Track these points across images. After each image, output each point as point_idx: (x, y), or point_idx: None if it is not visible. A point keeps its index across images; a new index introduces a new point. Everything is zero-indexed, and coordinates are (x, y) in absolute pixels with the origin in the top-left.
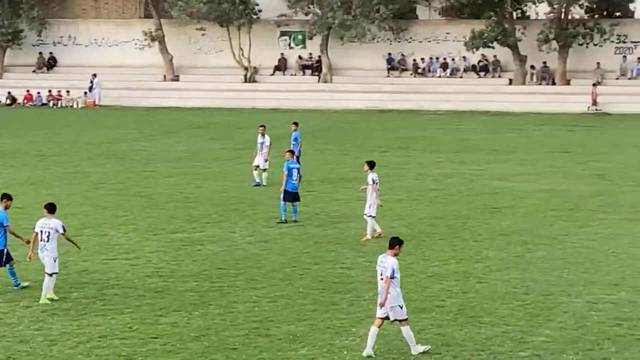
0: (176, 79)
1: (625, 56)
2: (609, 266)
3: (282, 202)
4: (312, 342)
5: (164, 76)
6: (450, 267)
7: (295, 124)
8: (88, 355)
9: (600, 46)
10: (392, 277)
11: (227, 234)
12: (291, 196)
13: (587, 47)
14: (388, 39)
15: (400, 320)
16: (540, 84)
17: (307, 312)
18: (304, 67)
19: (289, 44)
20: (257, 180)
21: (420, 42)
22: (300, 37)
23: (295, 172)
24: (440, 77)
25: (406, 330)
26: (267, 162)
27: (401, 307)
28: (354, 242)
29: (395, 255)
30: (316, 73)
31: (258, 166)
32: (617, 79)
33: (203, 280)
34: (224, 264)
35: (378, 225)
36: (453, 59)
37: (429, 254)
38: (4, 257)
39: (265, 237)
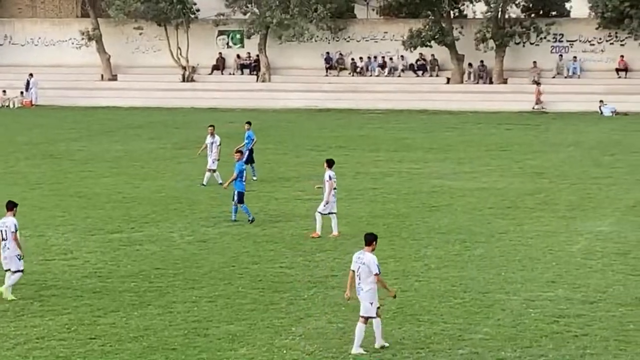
0: (114, 78)
1: (561, 55)
2: (546, 264)
3: (242, 205)
4: (251, 341)
5: (102, 76)
6: (389, 266)
7: (249, 123)
8: (26, 357)
9: (536, 45)
10: (378, 273)
11: (166, 234)
12: (240, 196)
13: (523, 46)
14: (326, 38)
15: (365, 317)
16: (477, 82)
17: (246, 311)
18: (242, 67)
19: (227, 43)
20: (220, 180)
21: (358, 41)
22: (238, 36)
23: (244, 174)
24: (378, 76)
25: (361, 329)
26: (216, 162)
27: (371, 304)
28: (293, 241)
29: (372, 250)
30: (254, 72)
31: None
32: (554, 77)
33: (142, 280)
34: (163, 264)
35: (319, 225)
36: (391, 58)
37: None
38: None
39: (204, 236)
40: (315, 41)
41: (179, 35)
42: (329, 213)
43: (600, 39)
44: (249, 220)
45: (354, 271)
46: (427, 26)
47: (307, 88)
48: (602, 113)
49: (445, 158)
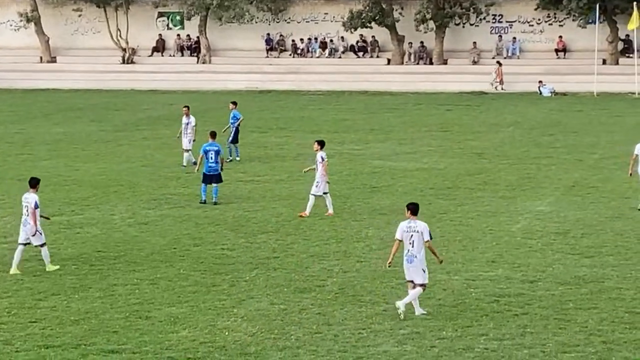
0: (53, 60)
1: (500, 36)
2: (486, 243)
3: (202, 184)
4: (193, 323)
5: (41, 58)
6: (331, 247)
7: (234, 103)
8: None
9: (476, 26)
10: (430, 239)
11: (107, 217)
12: (209, 178)
13: (463, 26)
14: (267, 20)
15: (420, 285)
16: (418, 63)
17: (188, 293)
18: (182, 48)
19: (167, 25)
20: (193, 160)
21: (298, 22)
22: (178, 18)
23: (212, 154)
24: (319, 57)
25: (418, 292)
26: (192, 143)
27: (424, 271)
28: (235, 223)
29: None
30: (195, 54)
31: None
32: (493, 58)
33: (82, 263)
34: (104, 246)
35: (310, 206)
36: (331, 40)
37: (309, 234)
38: None
39: (145, 219)
40: (256, 22)
41: (118, 16)
42: (323, 193)
43: (539, 19)
44: (201, 201)
45: (401, 241)
46: (368, 7)
47: (248, 69)
48: (541, 93)
49: (386, 139)
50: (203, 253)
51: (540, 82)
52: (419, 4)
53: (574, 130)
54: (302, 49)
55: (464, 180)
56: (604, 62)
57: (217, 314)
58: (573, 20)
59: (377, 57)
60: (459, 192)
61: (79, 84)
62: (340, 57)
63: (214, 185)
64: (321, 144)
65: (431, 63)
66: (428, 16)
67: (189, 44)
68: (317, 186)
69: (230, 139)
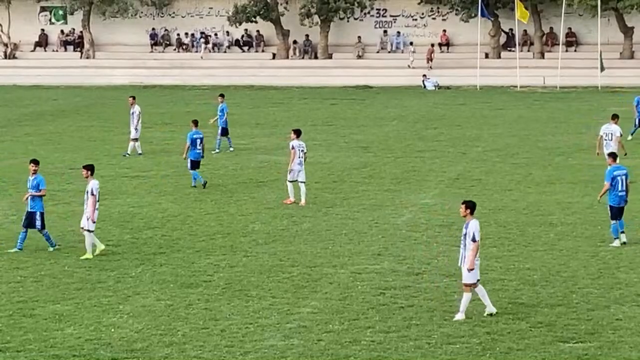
0: None
1: (385, 30)
2: (372, 237)
3: (193, 171)
4: (78, 320)
5: None
6: (217, 242)
7: (222, 95)
8: None
9: (360, 20)
10: (475, 240)
11: None
12: (198, 164)
13: (348, 21)
14: (151, 14)
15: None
16: (303, 58)
17: (72, 290)
18: (65, 43)
19: (50, 20)
20: (139, 151)
21: (183, 17)
22: (61, 12)
23: (198, 142)
24: (204, 52)
25: (480, 290)
26: (138, 132)
27: (467, 271)
28: (120, 218)
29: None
30: (78, 49)
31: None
32: (378, 52)
33: None
34: None
35: (290, 192)
36: (216, 34)
37: (195, 229)
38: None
39: None
40: (140, 17)
41: None
42: (299, 181)
43: (422, 14)
44: (202, 184)
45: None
46: (252, 2)
47: (132, 64)
48: (425, 87)
49: (272, 133)
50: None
51: (424, 75)
52: None
53: (458, 124)
54: (187, 44)
55: (350, 174)
56: (487, 55)
57: (102, 310)
58: (456, 14)
59: (262, 51)
60: (345, 185)
61: None
62: (225, 52)
63: (197, 170)
64: (297, 132)
65: (316, 57)
66: (313, 10)
67: (72, 38)
68: (289, 173)
69: (220, 131)
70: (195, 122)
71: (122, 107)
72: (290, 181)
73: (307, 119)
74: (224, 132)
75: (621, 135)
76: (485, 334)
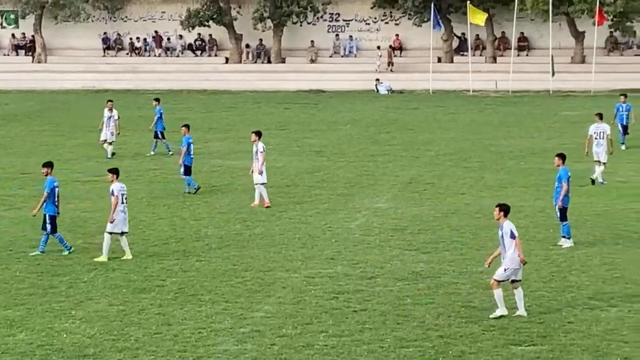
0: None
1: (337, 34)
2: (325, 241)
3: (187, 177)
4: (30, 326)
5: None
6: (170, 246)
7: (157, 99)
8: None
9: (314, 25)
10: (514, 237)
11: None
12: (190, 170)
13: (301, 25)
14: (103, 18)
15: (516, 281)
16: (256, 62)
17: (24, 296)
18: (17, 47)
19: (1, 24)
20: (112, 152)
21: (136, 21)
22: (12, 16)
23: (192, 147)
24: (157, 56)
25: (519, 292)
26: (114, 135)
27: (504, 270)
28: (72, 224)
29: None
30: (30, 53)
31: (106, 140)
32: (331, 56)
33: None
34: None
35: (265, 195)
36: (169, 38)
37: (148, 234)
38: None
39: None
40: (92, 21)
41: None
42: (261, 183)
43: (375, 18)
44: (194, 189)
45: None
46: (205, 6)
47: (85, 69)
48: (378, 91)
49: (225, 138)
50: (40, 255)
51: (377, 80)
52: (257, 3)
53: (410, 128)
54: (140, 48)
55: (303, 178)
56: (439, 60)
57: (54, 316)
58: (409, 18)
59: (215, 55)
60: (298, 190)
61: None
62: (178, 56)
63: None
64: (258, 134)
65: (269, 62)
66: (266, 15)
67: (24, 43)
68: (261, 175)
69: (157, 135)
70: (187, 127)
71: (75, 111)
72: (261, 183)
73: (261, 123)
74: (160, 135)
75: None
76: (438, 337)
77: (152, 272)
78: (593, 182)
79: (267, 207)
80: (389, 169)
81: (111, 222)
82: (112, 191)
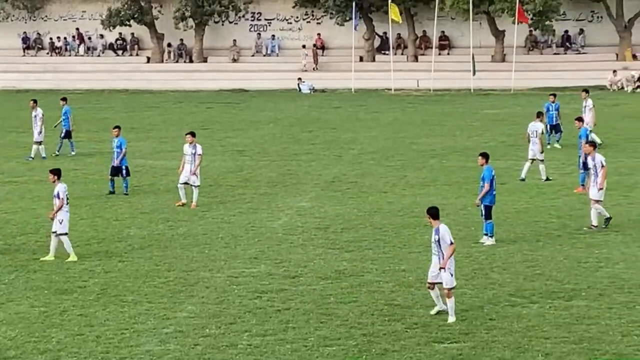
0: None
1: (259, 34)
2: (248, 240)
3: (122, 177)
4: None
5: None
6: (92, 247)
7: (64, 99)
8: None
9: (235, 24)
10: (451, 243)
11: None
12: (115, 170)
13: (223, 24)
14: (23, 18)
15: (450, 289)
16: (177, 61)
17: None
18: None
19: None
20: (43, 154)
21: (56, 20)
22: None
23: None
24: (77, 55)
25: (435, 292)
26: (41, 135)
27: (452, 275)
28: None
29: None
30: None
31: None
32: (253, 56)
33: None
34: None
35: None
36: (90, 38)
37: (70, 235)
38: None
39: None
40: (12, 20)
41: None
42: (192, 184)
43: (297, 17)
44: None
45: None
46: (126, 5)
47: (4, 69)
48: (300, 90)
49: (147, 137)
50: None
51: (299, 79)
52: (178, 2)
53: (333, 127)
54: (60, 47)
55: (226, 178)
56: (361, 59)
57: None
58: (330, 18)
59: (137, 55)
60: (221, 189)
61: None
62: (99, 56)
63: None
64: (193, 134)
65: (191, 61)
66: (187, 14)
67: None
68: (196, 176)
69: (62, 134)
70: (119, 128)
71: None
72: (194, 185)
73: (183, 123)
74: (67, 135)
75: (543, 133)
76: (362, 335)
77: (74, 273)
78: (523, 180)
79: (193, 208)
80: (311, 168)
81: (60, 223)
82: (58, 193)
